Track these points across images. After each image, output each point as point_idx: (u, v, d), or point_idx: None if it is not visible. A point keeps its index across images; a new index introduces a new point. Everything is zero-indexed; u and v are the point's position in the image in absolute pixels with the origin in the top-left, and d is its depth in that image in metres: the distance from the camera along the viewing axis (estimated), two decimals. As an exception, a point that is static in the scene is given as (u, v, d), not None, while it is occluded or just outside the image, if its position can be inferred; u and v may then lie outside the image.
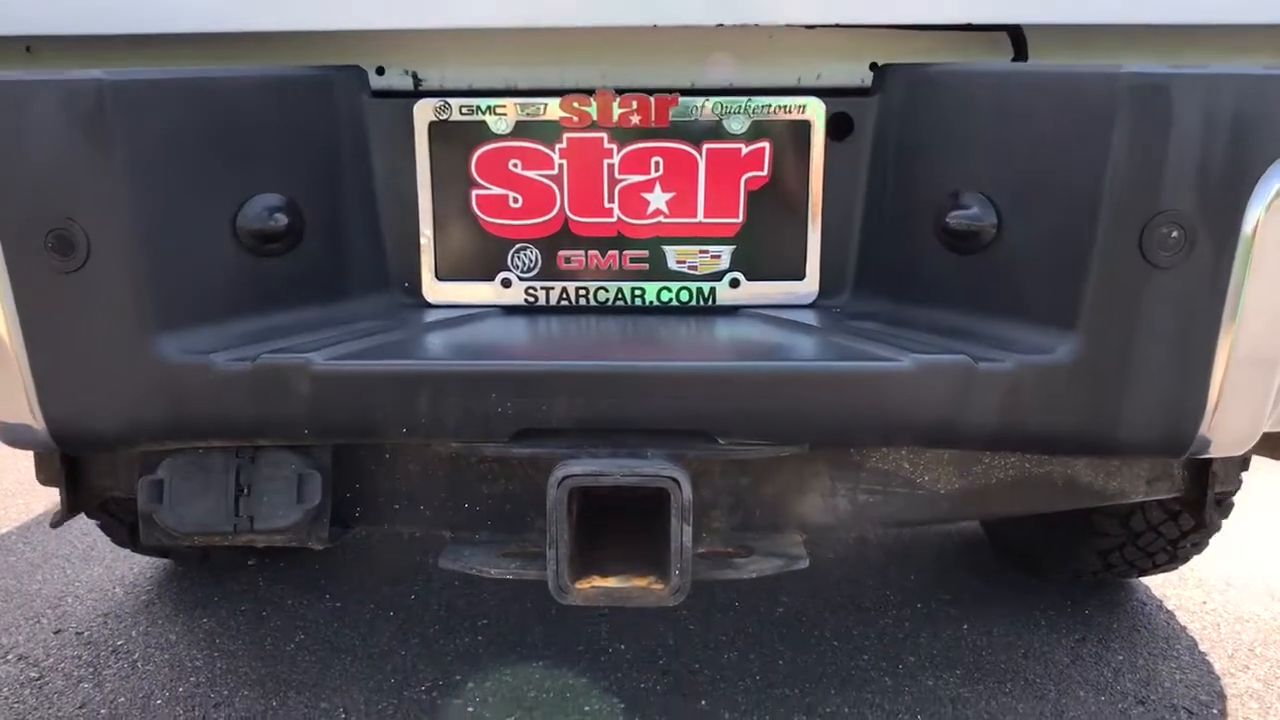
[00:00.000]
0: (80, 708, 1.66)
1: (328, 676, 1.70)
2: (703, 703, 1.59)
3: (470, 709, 1.62)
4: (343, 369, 0.70)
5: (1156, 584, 2.06)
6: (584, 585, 0.70)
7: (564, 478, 0.69)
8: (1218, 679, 1.74)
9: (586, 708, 1.59)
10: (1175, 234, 0.66)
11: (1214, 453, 0.72)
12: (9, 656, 1.85)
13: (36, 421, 0.73)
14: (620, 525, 0.73)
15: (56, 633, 1.94)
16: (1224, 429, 0.71)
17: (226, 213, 0.75)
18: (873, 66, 0.86)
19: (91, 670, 1.79)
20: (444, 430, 0.73)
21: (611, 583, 0.71)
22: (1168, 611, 1.96)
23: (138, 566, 2.22)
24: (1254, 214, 0.65)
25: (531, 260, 0.87)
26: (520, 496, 0.80)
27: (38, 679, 1.76)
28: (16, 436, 0.74)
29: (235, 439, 0.75)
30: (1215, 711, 1.64)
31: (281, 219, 0.76)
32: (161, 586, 2.10)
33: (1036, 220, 0.71)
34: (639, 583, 0.71)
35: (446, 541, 0.83)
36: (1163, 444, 0.71)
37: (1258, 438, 0.73)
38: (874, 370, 0.69)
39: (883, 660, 1.78)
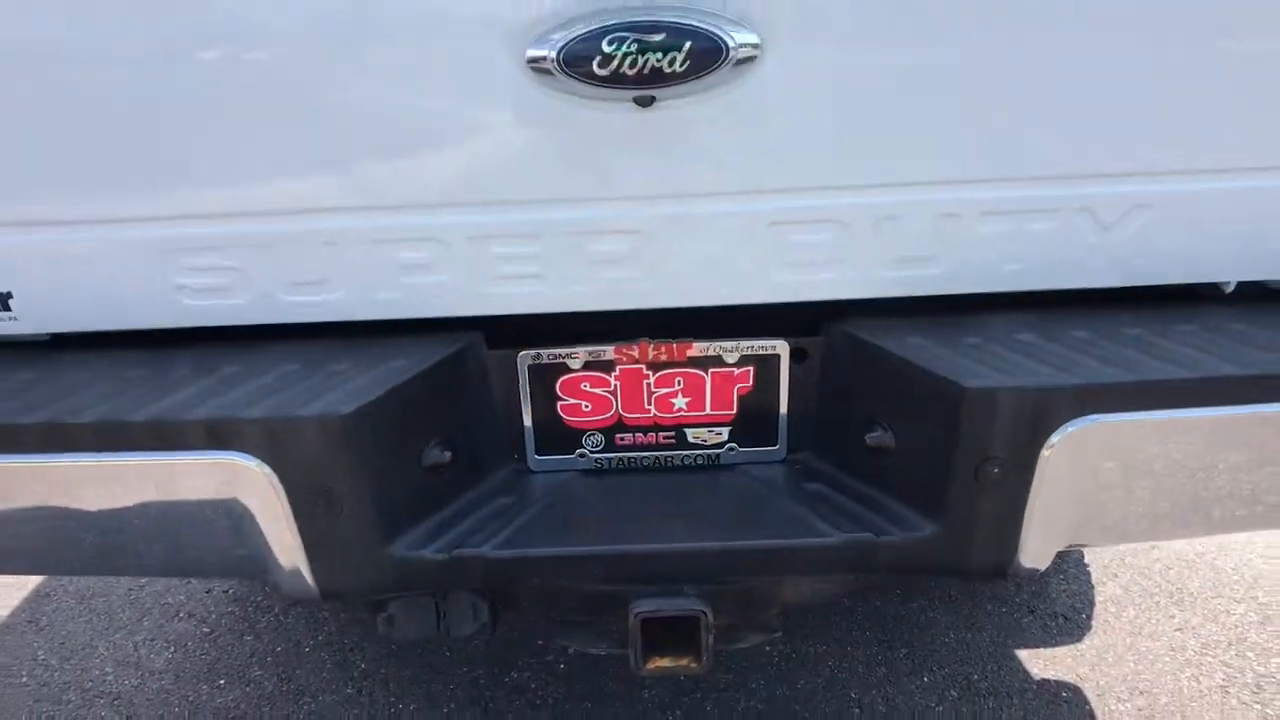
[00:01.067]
0: (250, 656, 2.23)
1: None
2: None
3: (539, 640, 2.18)
4: (502, 556, 1.18)
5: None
6: (652, 665, 1.21)
7: (638, 613, 1.19)
8: (1091, 588, 2.33)
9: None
10: (997, 470, 1.12)
11: (1024, 571, 1.21)
12: (180, 614, 2.40)
13: (312, 587, 1.21)
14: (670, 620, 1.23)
15: (208, 591, 2.48)
16: (1027, 560, 1.19)
17: (416, 461, 1.20)
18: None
19: (248, 625, 2.34)
20: (560, 578, 1.22)
21: (666, 662, 1.22)
22: (1063, 531, 2.54)
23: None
24: (1043, 457, 1.11)
25: (598, 441, 1.33)
26: (604, 596, 1.29)
27: (210, 634, 2.32)
28: (298, 592, 1.22)
29: (437, 590, 1.24)
30: (1084, 616, 2.22)
31: (447, 454, 1.22)
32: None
33: (916, 451, 1.17)
34: (682, 662, 1.22)
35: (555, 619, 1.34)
36: (991, 572, 1.20)
37: (1051, 558, 1.23)
38: (817, 543, 1.17)
39: (844, 586, 2.35)
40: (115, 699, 2.11)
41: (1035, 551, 1.19)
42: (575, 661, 2.10)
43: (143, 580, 2.52)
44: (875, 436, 1.21)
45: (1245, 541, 2.40)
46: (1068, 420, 1.10)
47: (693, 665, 1.23)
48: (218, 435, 1.11)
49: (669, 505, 1.29)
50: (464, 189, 1.16)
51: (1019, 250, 1.20)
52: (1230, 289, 1.27)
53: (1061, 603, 2.26)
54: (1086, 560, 2.41)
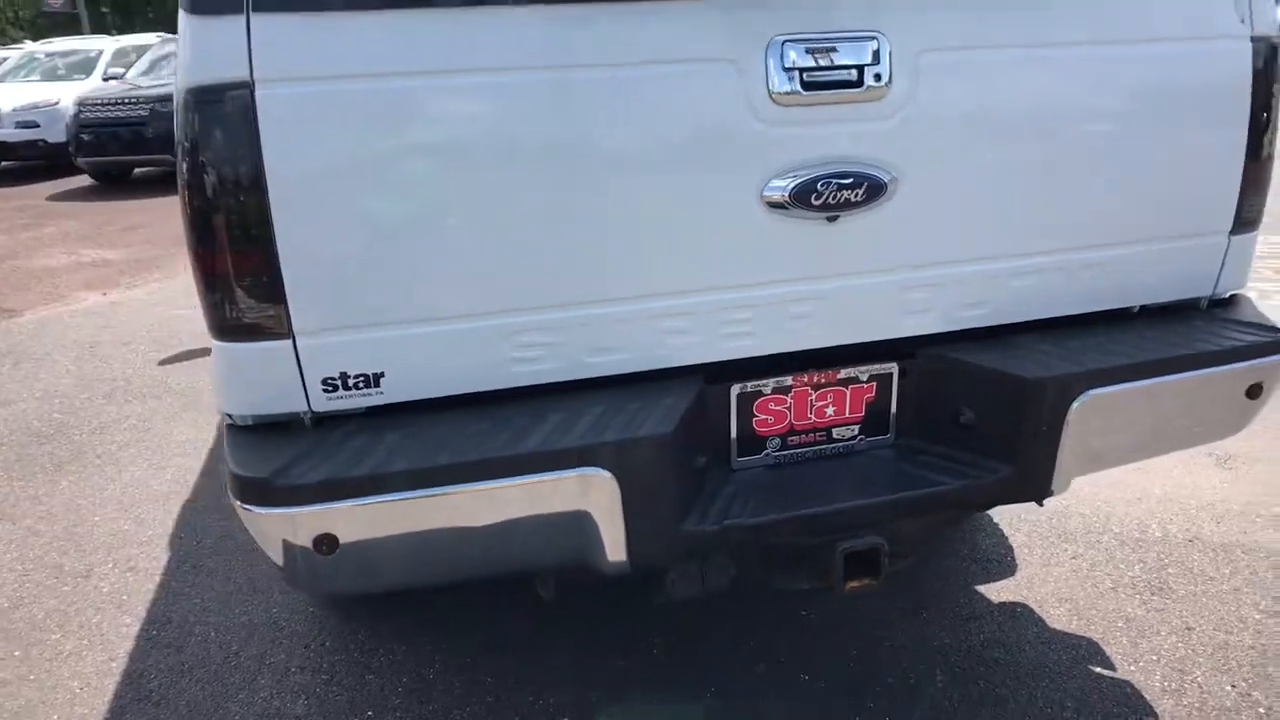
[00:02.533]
0: (382, 690, 2.56)
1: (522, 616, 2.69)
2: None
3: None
4: (756, 522, 1.75)
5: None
6: (850, 586, 1.83)
7: (843, 549, 1.80)
8: (1006, 539, 3.14)
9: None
10: (1044, 429, 1.85)
11: (1055, 494, 1.95)
12: (291, 669, 2.67)
13: (626, 562, 1.72)
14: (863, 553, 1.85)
15: (306, 647, 2.76)
16: (1057, 487, 1.93)
17: (690, 464, 1.76)
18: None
19: (364, 666, 2.66)
20: (788, 535, 1.81)
21: (856, 584, 1.84)
22: (974, 503, 3.37)
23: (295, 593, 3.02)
24: (1069, 419, 1.85)
25: (778, 443, 1.94)
26: (809, 547, 1.88)
27: (330, 680, 2.61)
28: (615, 569, 1.72)
29: (704, 555, 1.79)
30: (1009, 558, 3.02)
31: (703, 459, 1.79)
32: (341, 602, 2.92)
33: (993, 424, 1.89)
34: (867, 582, 1.84)
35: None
36: (1039, 496, 1.93)
37: (1070, 484, 1.97)
38: (943, 489, 1.85)
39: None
40: (274, 745, 2.38)
41: (1062, 481, 1.93)
42: (672, 645, 2.63)
43: (234, 646, 2.75)
44: (965, 418, 1.91)
45: (1094, 491, 3.33)
46: (1081, 393, 1.85)
47: (873, 584, 1.86)
48: (586, 456, 1.62)
49: (832, 481, 1.92)
50: (713, 279, 1.75)
51: (1030, 294, 1.96)
52: (1136, 310, 2.09)
53: (991, 551, 3.06)
54: (996, 520, 3.24)
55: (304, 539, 1.56)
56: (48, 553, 3.31)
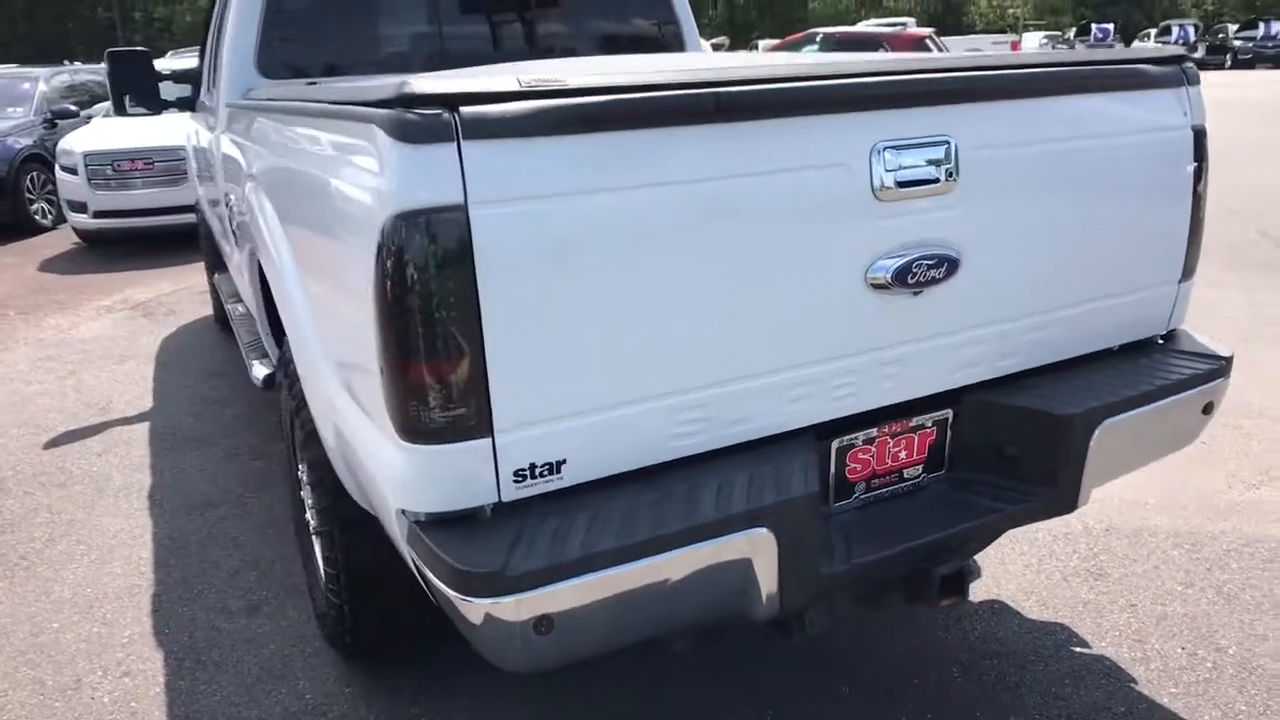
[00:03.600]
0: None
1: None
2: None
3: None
4: (870, 559, 2.02)
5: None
6: (943, 603, 2.13)
7: (939, 573, 2.10)
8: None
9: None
10: (1074, 453, 2.24)
11: (1080, 505, 2.34)
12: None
13: (778, 606, 1.93)
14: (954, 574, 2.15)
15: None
16: (1082, 500, 2.33)
17: (818, 511, 2.00)
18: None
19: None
20: (887, 569, 2.10)
21: (947, 602, 2.15)
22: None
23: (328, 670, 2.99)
24: (1091, 445, 2.25)
25: (865, 486, 2.22)
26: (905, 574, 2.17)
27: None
28: (766, 614, 1.93)
29: (831, 591, 2.03)
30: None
31: (828, 508, 2.04)
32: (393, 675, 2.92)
33: (1034, 454, 2.26)
34: (954, 599, 2.15)
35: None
36: (1069, 510, 2.32)
37: (1090, 496, 2.38)
38: (1006, 512, 2.20)
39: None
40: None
41: (1086, 495, 2.33)
42: (716, 674, 2.84)
43: (283, 741, 2.70)
44: (1010, 452, 2.27)
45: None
46: (1100, 423, 2.26)
47: (959, 600, 2.17)
48: (753, 518, 1.83)
49: (913, 515, 2.22)
50: (828, 350, 2.02)
51: (1048, 342, 2.35)
52: (1115, 348, 2.54)
53: (955, 557, 3.48)
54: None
55: (525, 622, 1.67)
56: (18, 668, 3.06)
